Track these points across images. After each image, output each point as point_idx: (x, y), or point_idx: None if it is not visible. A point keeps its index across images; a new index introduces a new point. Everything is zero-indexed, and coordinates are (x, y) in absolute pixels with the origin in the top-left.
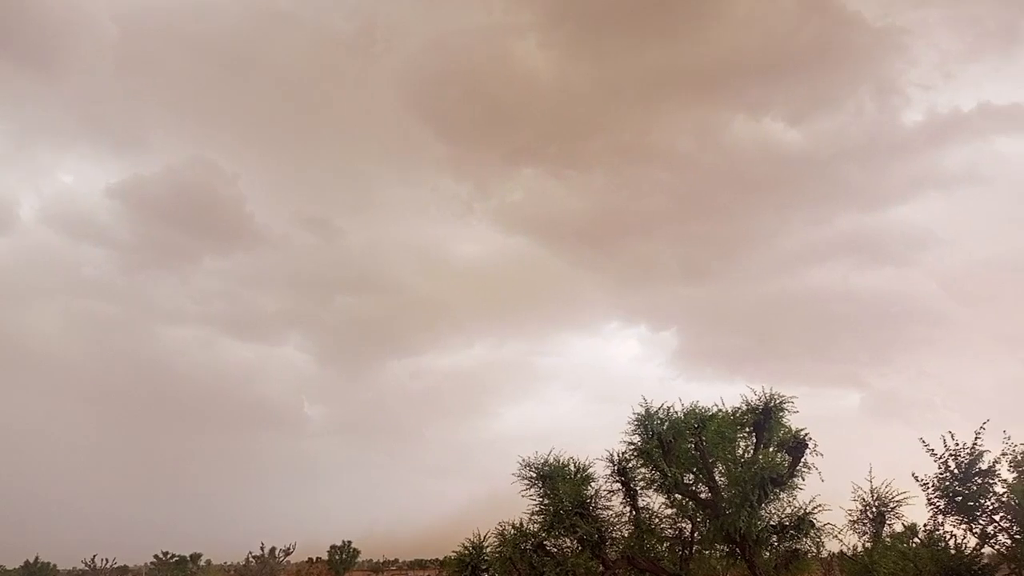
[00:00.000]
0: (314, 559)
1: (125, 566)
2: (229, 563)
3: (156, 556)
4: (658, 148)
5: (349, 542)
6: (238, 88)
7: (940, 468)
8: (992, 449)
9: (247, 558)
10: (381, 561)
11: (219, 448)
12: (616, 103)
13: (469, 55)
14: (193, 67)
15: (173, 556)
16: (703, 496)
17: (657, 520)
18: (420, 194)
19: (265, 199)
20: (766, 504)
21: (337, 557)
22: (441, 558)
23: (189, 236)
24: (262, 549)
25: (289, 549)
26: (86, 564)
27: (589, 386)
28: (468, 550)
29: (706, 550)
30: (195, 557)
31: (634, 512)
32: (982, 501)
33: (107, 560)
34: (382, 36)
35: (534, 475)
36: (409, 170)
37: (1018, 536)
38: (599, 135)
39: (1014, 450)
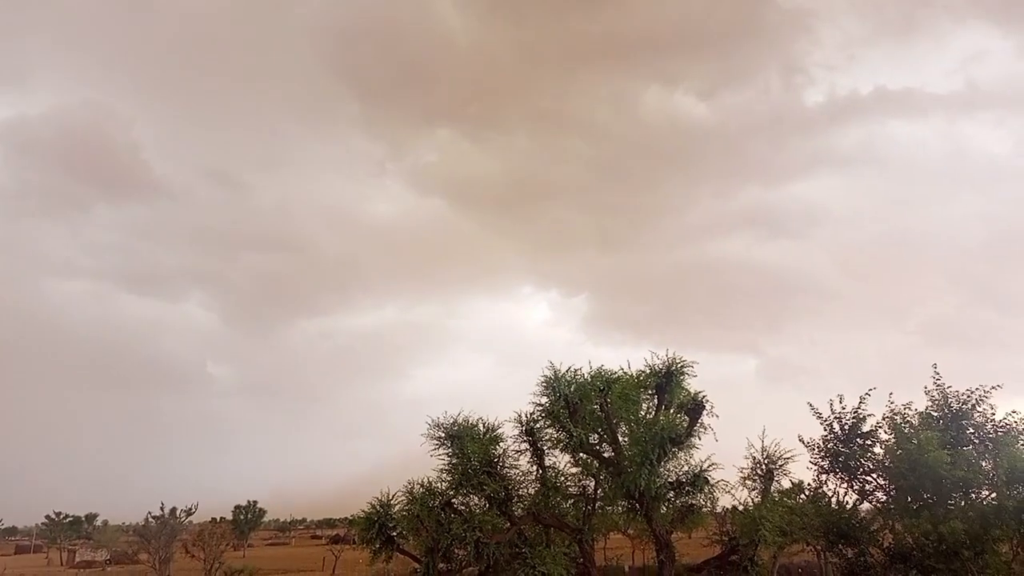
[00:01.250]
0: (218, 519)
1: (14, 527)
2: (127, 523)
3: (48, 516)
4: (575, 116)
5: (255, 502)
6: (137, 27)
7: (825, 430)
8: (875, 413)
9: (146, 518)
10: (288, 521)
11: (115, 406)
12: (534, 68)
13: (384, 10)
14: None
15: (67, 516)
16: (606, 455)
17: (562, 478)
18: (331, 151)
19: (165, 148)
20: (665, 462)
21: (242, 517)
22: (350, 517)
23: (79, 183)
24: (162, 509)
25: (191, 509)
26: None
27: (500, 349)
28: (376, 509)
29: (608, 506)
30: (90, 517)
31: (540, 471)
32: (862, 461)
33: None
34: None
35: (443, 435)
36: (320, 126)
37: (892, 492)
38: (516, 99)
39: (891, 413)
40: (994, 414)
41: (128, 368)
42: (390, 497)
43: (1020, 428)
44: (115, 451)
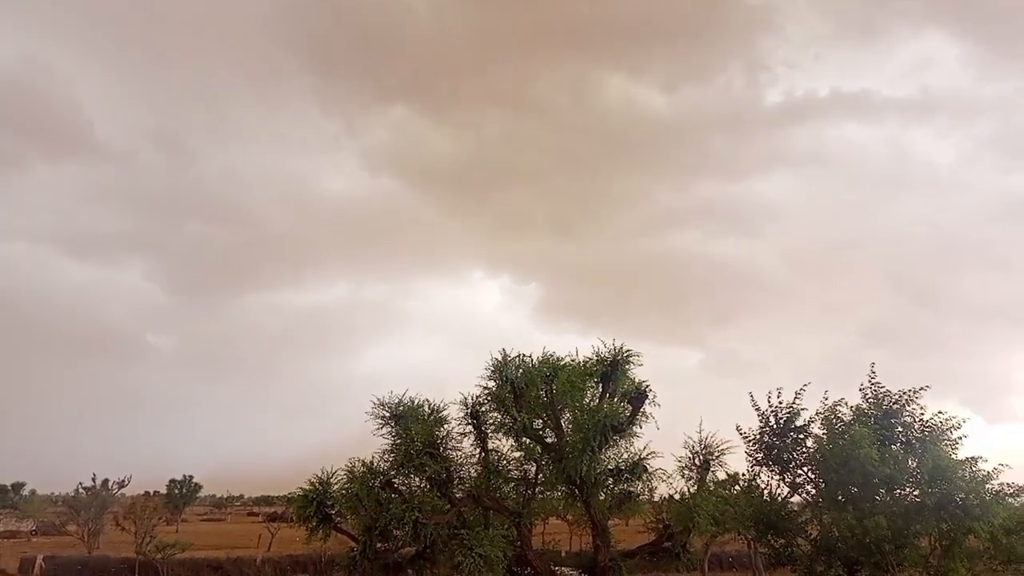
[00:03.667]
0: (151, 493)
1: None
2: (57, 494)
3: None
4: (535, 101)
5: (190, 477)
6: None
7: (762, 422)
8: (810, 408)
9: (77, 489)
10: (225, 497)
11: (47, 374)
12: (496, 50)
13: None
14: None
15: None
16: (549, 441)
17: (504, 462)
18: (282, 123)
19: (108, 108)
20: (606, 450)
21: (177, 491)
22: (288, 495)
23: (15, 141)
24: (94, 480)
25: (124, 481)
26: None
27: (450, 332)
28: (314, 487)
29: (548, 491)
30: (17, 487)
31: (483, 454)
32: (794, 454)
33: None
34: None
35: (388, 415)
36: (271, 96)
37: (821, 486)
38: (476, 81)
39: (825, 408)
40: (923, 414)
41: (64, 335)
42: (330, 476)
43: (944, 428)
44: (48, 420)
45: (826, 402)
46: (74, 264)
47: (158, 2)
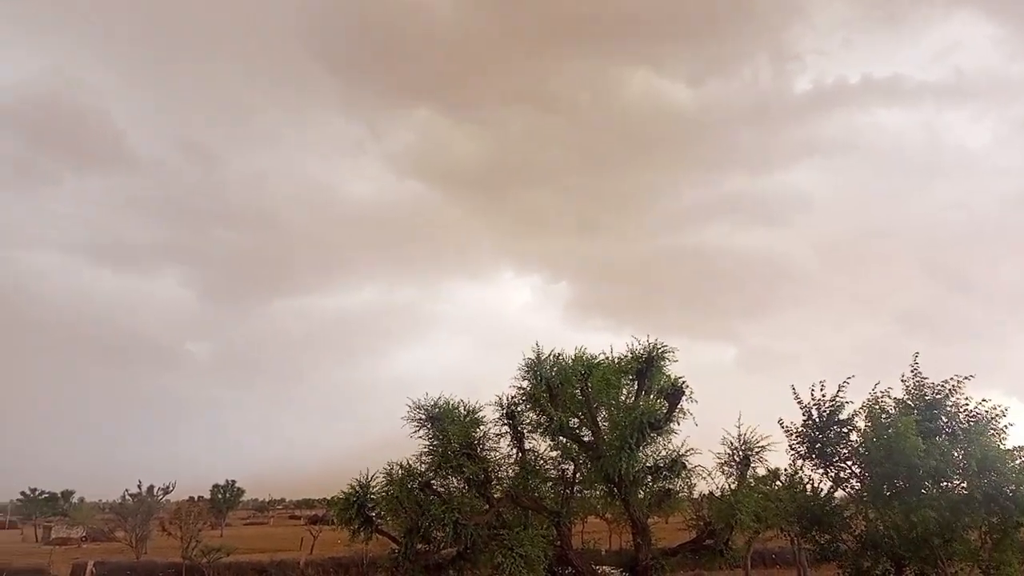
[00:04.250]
0: (195, 498)
1: None
2: (104, 501)
3: (23, 493)
4: (558, 98)
5: (233, 481)
6: None
7: (804, 416)
8: (854, 401)
9: (123, 496)
10: (267, 500)
11: (91, 382)
12: (517, 48)
13: None
14: None
15: (42, 493)
16: (586, 439)
17: (542, 461)
18: (308, 129)
19: (136, 119)
20: (644, 447)
21: (220, 496)
22: (329, 498)
23: (49, 154)
24: (139, 487)
25: (168, 488)
26: None
27: (481, 333)
28: (355, 490)
29: (586, 490)
30: (67, 494)
31: (520, 454)
32: (838, 448)
33: None
34: None
35: (423, 417)
36: (297, 103)
37: (866, 480)
38: (499, 80)
39: (870, 400)
40: (967, 404)
41: (103, 342)
42: (369, 478)
43: (990, 417)
44: (92, 429)
45: (873, 393)
46: (108, 273)
47: (183, 13)
